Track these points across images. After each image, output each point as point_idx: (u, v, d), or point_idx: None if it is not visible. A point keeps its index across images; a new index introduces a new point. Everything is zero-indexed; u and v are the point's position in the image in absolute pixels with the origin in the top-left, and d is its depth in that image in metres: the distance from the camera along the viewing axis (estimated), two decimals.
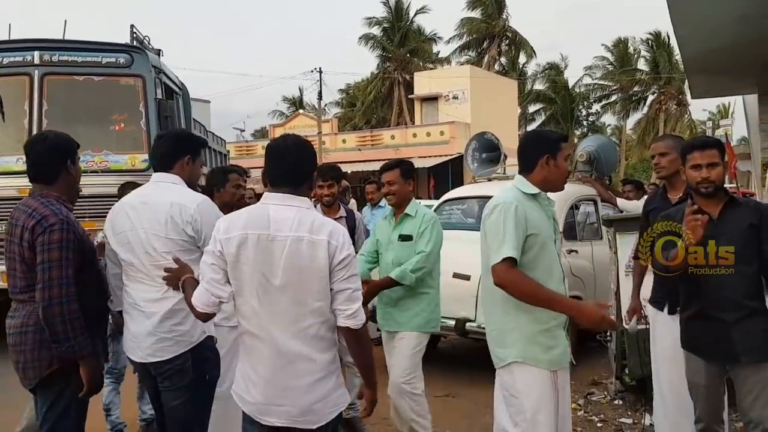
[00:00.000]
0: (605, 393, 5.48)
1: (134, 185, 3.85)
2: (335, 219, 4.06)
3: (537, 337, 2.80)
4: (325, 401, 2.36)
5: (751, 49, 7.67)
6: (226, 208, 4.43)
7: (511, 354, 2.83)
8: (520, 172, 3.01)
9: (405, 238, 3.95)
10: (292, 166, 2.42)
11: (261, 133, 47.66)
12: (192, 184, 3.09)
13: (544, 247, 2.83)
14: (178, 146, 3.07)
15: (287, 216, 2.34)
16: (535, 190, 2.92)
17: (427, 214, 4.03)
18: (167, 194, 2.93)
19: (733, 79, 9.81)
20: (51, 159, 2.84)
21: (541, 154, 2.92)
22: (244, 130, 42.59)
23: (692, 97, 12.30)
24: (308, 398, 2.33)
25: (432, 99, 31.56)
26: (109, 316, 3.70)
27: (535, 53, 42.86)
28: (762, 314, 3.07)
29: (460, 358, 6.93)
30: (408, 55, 40.46)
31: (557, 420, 2.82)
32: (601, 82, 44.87)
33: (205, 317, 2.46)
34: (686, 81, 12.00)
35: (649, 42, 42.89)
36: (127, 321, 3.03)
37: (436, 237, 3.93)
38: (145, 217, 2.90)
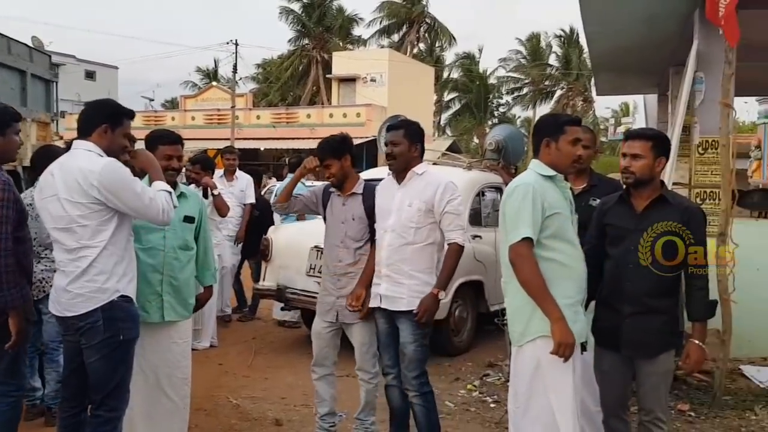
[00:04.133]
0: (500, 375, 5.62)
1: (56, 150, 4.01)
2: (349, 195, 4.08)
3: (563, 311, 2.79)
4: None
5: (655, 51, 8.04)
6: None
7: (538, 329, 2.83)
8: (533, 156, 3.05)
9: (189, 219, 3.70)
10: None
11: (171, 104, 46.03)
12: (113, 153, 3.13)
13: (565, 223, 2.90)
14: (96, 115, 3.16)
15: None
16: (551, 172, 2.94)
17: (198, 194, 4.02)
18: (78, 160, 3.04)
19: (636, 78, 10.28)
20: None
21: (541, 137, 2.97)
22: (153, 100, 41.09)
23: (597, 94, 12.86)
24: None
25: (350, 80, 31.43)
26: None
27: (455, 40, 43.45)
28: (661, 313, 3.11)
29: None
30: (327, 33, 40.02)
31: (576, 386, 2.88)
32: (514, 75, 46.07)
33: None
34: (593, 78, 12.51)
35: (562, 38, 44.35)
36: (54, 278, 3.24)
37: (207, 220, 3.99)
38: (60, 183, 3.02)
